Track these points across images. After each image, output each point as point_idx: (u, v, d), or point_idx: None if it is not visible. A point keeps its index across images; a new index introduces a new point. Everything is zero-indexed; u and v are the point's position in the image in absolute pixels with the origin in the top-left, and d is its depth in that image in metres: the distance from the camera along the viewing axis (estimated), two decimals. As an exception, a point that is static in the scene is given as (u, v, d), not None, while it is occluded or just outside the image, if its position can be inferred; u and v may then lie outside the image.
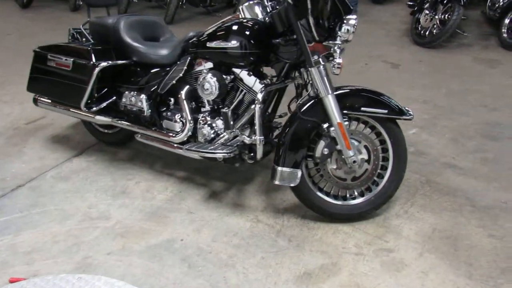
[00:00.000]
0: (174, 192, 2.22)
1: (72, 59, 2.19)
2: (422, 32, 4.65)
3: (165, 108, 2.23)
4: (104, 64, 2.15)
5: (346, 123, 1.82)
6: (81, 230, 1.95)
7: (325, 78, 1.77)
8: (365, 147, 1.90)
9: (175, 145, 2.13)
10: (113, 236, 1.91)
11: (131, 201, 2.16)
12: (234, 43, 1.85)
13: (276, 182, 1.88)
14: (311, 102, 1.85)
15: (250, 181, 2.31)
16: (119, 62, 2.20)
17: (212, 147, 1.97)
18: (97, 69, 2.13)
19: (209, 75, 1.94)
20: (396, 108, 1.85)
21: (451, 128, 2.85)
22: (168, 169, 2.43)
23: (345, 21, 1.70)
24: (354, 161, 1.82)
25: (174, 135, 2.13)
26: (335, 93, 1.81)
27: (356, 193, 1.96)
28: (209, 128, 2.03)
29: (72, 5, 6.68)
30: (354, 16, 1.71)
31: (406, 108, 1.88)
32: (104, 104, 2.28)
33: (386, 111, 1.83)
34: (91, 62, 2.13)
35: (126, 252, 1.82)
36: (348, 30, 1.69)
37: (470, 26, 5.13)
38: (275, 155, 1.89)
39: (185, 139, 2.10)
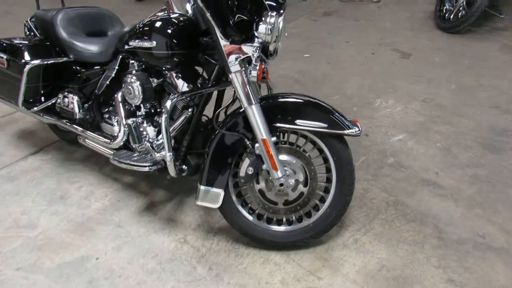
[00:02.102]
0: (112, 201, 2.07)
1: (6, 57, 2.06)
2: (446, 15, 4.09)
3: (105, 110, 2.06)
4: (35, 62, 2.00)
5: (274, 139, 1.54)
6: (4, 238, 1.86)
7: (247, 86, 1.50)
8: (302, 166, 1.62)
9: (111, 151, 1.97)
10: (31, 249, 1.80)
11: (65, 209, 2.03)
12: (153, 43, 1.62)
13: (198, 203, 1.66)
14: (234, 113, 1.59)
15: (195, 192, 2.10)
16: (52, 60, 2.04)
17: (137, 158, 1.78)
18: (26, 68, 1.99)
19: (133, 78, 1.73)
20: (338, 121, 1.54)
21: (446, 135, 2.44)
22: (117, 173, 2.29)
23: (263, 19, 1.40)
24: (281, 184, 1.56)
25: (110, 140, 1.97)
26: (263, 103, 1.54)
27: (294, 218, 1.70)
28: (140, 132, 1.84)
29: None
30: (274, 13, 1.40)
31: (353, 121, 1.57)
32: (45, 104, 2.15)
33: (325, 124, 1.53)
34: (22, 60, 1.99)
35: (35, 269, 1.70)
36: (266, 29, 1.39)
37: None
38: (200, 172, 1.67)
39: (121, 144, 1.92)
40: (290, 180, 1.59)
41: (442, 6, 4.13)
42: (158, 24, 1.64)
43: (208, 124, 1.92)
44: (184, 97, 1.63)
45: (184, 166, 1.80)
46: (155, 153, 1.68)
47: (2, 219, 1.98)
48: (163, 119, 1.56)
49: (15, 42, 2.10)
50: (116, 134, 1.93)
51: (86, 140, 2.10)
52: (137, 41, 1.68)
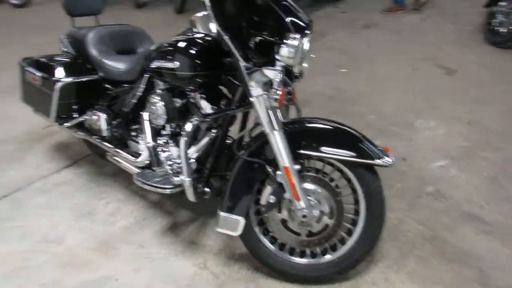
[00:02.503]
0: (137, 219, 2.07)
1: (40, 74, 2.13)
2: (497, 28, 3.82)
3: (133, 128, 2.07)
4: (66, 80, 2.05)
5: (297, 166, 1.46)
6: (33, 253, 1.90)
7: (269, 111, 1.43)
8: (327, 196, 1.52)
9: (136, 169, 1.97)
10: (55, 265, 1.82)
11: (92, 225, 2.05)
12: (176, 63, 1.60)
13: (217, 229, 1.61)
14: (256, 138, 1.53)
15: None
16: (83, 78, 2.08)
17: (160, 179, 1.76)
18: (58, 85, 2.04)
19: (157, 97, 1.72)
20: (368, 149, 1.44)
21: (494, 163, 2.24)
22: (144, 190, 2.28)
23: (285, 41, 1.33)
24: (304, 215, 1.46)
25: (135, 158, 1.96)
26: (287, 128, 1.47)
27: (318, 251, 1.60)
28: (162, 154, 1.82)
29: (177, 7, 6.52)
30: (298, 35, 1.32)
31: (384, 150, 1.45)
32: (76, 120, 2.20)
33: (353, 153, 1.43)
34: (54, 78, 2.05)
35: (57, 286, 1.71)
36: (289, 52, 1.32)
37: None
38: (220, 197, 1.62)
39: (146, 163, 1.92)
40: (314, 211, 1.50)
41: (493, 19, 3.87)
42: (181, 44, 1.62)
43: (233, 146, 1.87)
44: (204, 120, 1.59)
45: (206, 189, 1.75)
46: (174, 177, 1.64)
47: (32, 232, 2.03)
48: (182, 143, 1.52)
49: (48, 60, 2.17)
50: (141, 153, 1.93)
51: (114, 157, 2.12)
52: (161, 61, 1.67)
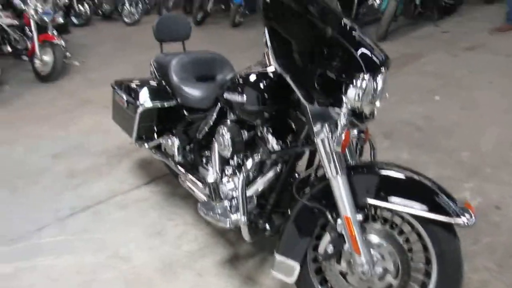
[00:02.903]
0: (200, 245, 2.09)
1: (126, 98, 2.29)
2: None
3: (204, 155, 2.11)
4: (147, 105, 2.17)
5: (360, 217, 1.32)
6: (103, 267, 2.02)
7: (333, 154, 1.32)
8: (394, 253, 1.35)
9: (203, 196, 1.99)
10: (120, 282, 1.91)
11: (159, 246, 2.12)
12: (244, 97, 1.58)
13: (273, 272, 1.53)
14: (317, 182, 1.43)
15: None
16: (163, 104, 2.18)
17: (221, 212, 1.74)
18: (139, 110, 2.16)
19: (225, 128, 1.72)
20: (444, 205, 1.24)
21: None
22: (211, 214, 2.31)
23: (354, 81, 1.22)
24: (364, 273, 1.32)
25: (203, 186, 1.99)
26: (353, 172, 1.35)
27: (379, 310, 1.43)
28: (226, 186, 1.81)
29: (232, 21, 7.20)
30: (367, 75, 1.20)
31: (465, 207, 1.24)
32: (154, 143, 2.32)
33: (426, 207, 1.25)
34: (136, 103, 2.18)
35: (118, 305, 1.79)
36: (356, 95, 1.20)
37: None
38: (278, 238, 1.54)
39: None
40: (377, 268, 1.34)
41: None
42: (250, 78, 1.59)
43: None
44: (268, 157, 1.53)
45: (267, 226, 1.69)
46: (231, 214, 1.62)
47: (107, 246, 2.16)
48: (240, 181, 1.49)
49: (135, 83, 2.32)
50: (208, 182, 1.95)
51: (185, 181, 2.17)
52: (230, 93, 1.67)
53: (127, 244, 2.17)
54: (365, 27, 5.96)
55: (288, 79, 1.32)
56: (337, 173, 1.32)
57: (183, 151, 2.19)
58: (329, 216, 1.38)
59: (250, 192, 1.69)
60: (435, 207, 1.24)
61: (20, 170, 3.05)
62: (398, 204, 1.28)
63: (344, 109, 1.25)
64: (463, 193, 2.25)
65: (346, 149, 1.46)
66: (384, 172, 1.35)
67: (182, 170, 2.18)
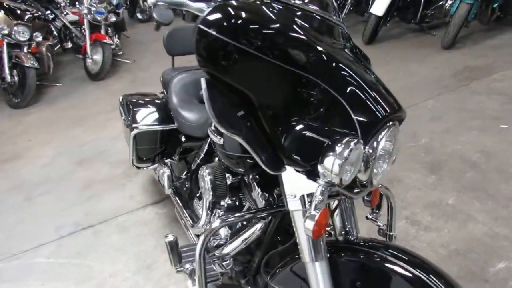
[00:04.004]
0: (184, 291, 1.85)
1: (124, 116, 2.10)
2: None
3: (198, 189, 1.86)
4: (142, 128, 1.96)
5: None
6: (84, 301, 1.87)
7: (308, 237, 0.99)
8: None
9: (193, 236, 1.75)
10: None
11: (143, 284, 1.92)
12: (221, 140, 1.29)
13: None
14: (291, 261, 1.10)
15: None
16: (159, 127, 1.96)
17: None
18: (133, 132, 1.96)
19: (207, 170, 1.44)
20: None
21: None
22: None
23: (331, 150, 0.87)
24: None
25: (193, 224, 1.75)
26: (337, 255, 1.02)
27: None
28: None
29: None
30: (355, 140, 0.83)
31: None
32: (150, 168, 2.12)
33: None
34: (130, 124, 1.98)
35: None
36: (333, 165, 0.84)
37: None
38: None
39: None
40: None
41: None
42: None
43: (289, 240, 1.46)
44: (234, 220, 1.23)
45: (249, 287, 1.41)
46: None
47: (93, 276, 2.02)
48: (197, 248, 1.18)
49: (137, 101, 2.12)
50: (200, 220, 1.69)
51: (178, 215, 1.95)
52: (212, 130, 1.37)
53: (114, 276, 2.00)
54: (428, 32, 5.37)
55: (242, 141, 0.95)
56: (312, 259, 0.99)
57: (178, 180, 1.95)
58: (302, 312, 1.06)
59: (227, 249, 1.40)
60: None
61: (43, 176, 3.05)
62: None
63: (320, 181, 0.90)
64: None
65: (337, 220, 1.13)
66: (382, 264, 0.99)
67: (176, 200, 1.95)
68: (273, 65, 0.84)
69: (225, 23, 0.82)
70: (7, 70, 4.55)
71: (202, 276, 1.17)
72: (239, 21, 0.83)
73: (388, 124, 0.87)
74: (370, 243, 1.08)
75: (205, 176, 1.43)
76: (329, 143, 0.85)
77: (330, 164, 0.84)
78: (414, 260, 0.99)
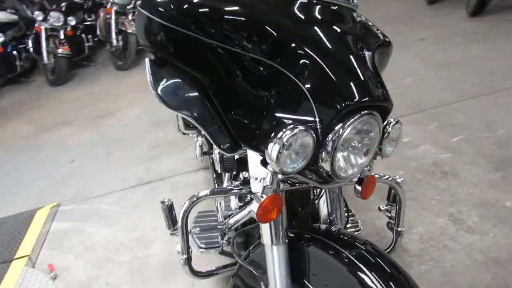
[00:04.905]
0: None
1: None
2: None
3: None
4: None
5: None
6: (125, 248, 2.14)
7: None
8: None
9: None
10: (126, 270, 1.99)
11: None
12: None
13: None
14: (256, 244, 1.13)
15: None
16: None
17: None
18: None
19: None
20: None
21: None
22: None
23: (275, 136, 0.79)
24: None
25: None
26: (297, 242, 1.03)
27: None
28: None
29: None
30: (294, 131, 0.77)
31: None
32: (193, 135, 2.27)
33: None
34: None
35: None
36: (271, 152, 0.78)
37: None
38: None
39: None
40: None
41: None
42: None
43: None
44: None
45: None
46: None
47: (139, 227, 2.28)
48: (181, 213, 1.25)
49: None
50: None
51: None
52: None
53: (155, 230, 2.23)
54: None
55: (193, 121, 0.96)
56: (270, 242, 1.01)
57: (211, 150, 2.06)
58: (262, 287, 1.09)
59: (231, 221, 1.47)
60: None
61: (123, 134, 3.46)
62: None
63: (269, 167, 0.90)
64: None
65: (324, 208, 1.12)
66: (345, 263, 0.93)
67: (211, 170, 2.07)
68: (212, 45, 0.84)
69: (160, 6, 0.85)
70: (113, 35, 5.12)
71: (184, 239, 1.27)
72: (174, 3, 0.85)
73: (362, 112, 0.82)
74: (343, 239, 1.05)
75: (216, 149, 1.50)
76: (277, 129, 0.83)
77: (270, 150, 0.80)
78: (383, 267, 0.93)
